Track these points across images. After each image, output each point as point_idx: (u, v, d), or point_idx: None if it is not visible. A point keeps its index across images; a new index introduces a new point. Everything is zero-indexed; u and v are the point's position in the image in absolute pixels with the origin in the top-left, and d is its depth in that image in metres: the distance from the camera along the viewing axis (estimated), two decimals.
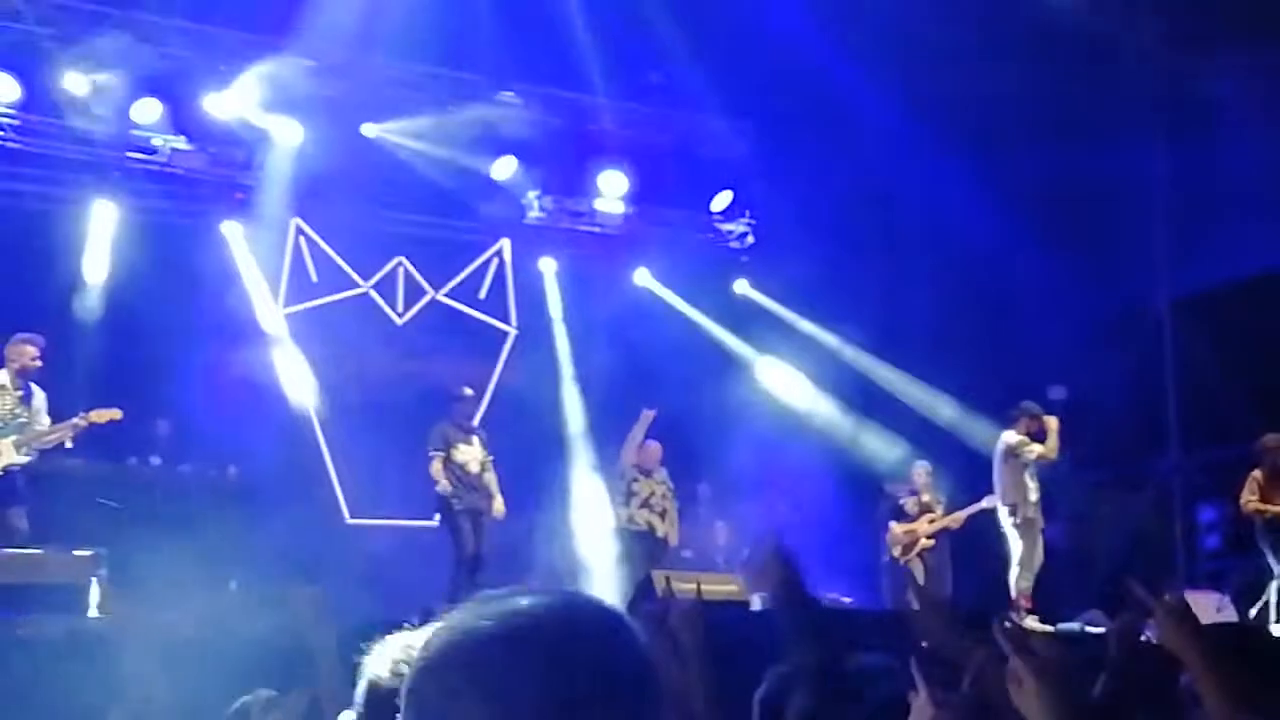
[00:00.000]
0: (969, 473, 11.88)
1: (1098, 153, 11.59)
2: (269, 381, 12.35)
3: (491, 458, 10.62)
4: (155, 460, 11.35)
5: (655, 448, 11.41)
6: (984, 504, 11.41)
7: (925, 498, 11.75)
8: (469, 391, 10.86)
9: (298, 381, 12.71)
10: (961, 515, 11.57)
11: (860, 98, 12.09)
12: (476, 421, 11.14)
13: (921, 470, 11.84)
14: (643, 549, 11.00)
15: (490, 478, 10.55)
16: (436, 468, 10.33)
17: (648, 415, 11.26)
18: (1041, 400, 11.43)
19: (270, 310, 12.79)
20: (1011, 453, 10.74)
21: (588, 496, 13.43)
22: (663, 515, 11.23)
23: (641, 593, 9.23)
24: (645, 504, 11.16)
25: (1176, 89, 12.03)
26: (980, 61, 11.41)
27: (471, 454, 10.47)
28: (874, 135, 12.62)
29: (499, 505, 10.49)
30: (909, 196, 13.05)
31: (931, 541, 11.60)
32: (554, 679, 1.22)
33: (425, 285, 13.62)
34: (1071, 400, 12.29)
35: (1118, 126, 12.07)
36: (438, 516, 10.53)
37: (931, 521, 11.63)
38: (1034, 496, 10.71)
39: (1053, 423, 10.78)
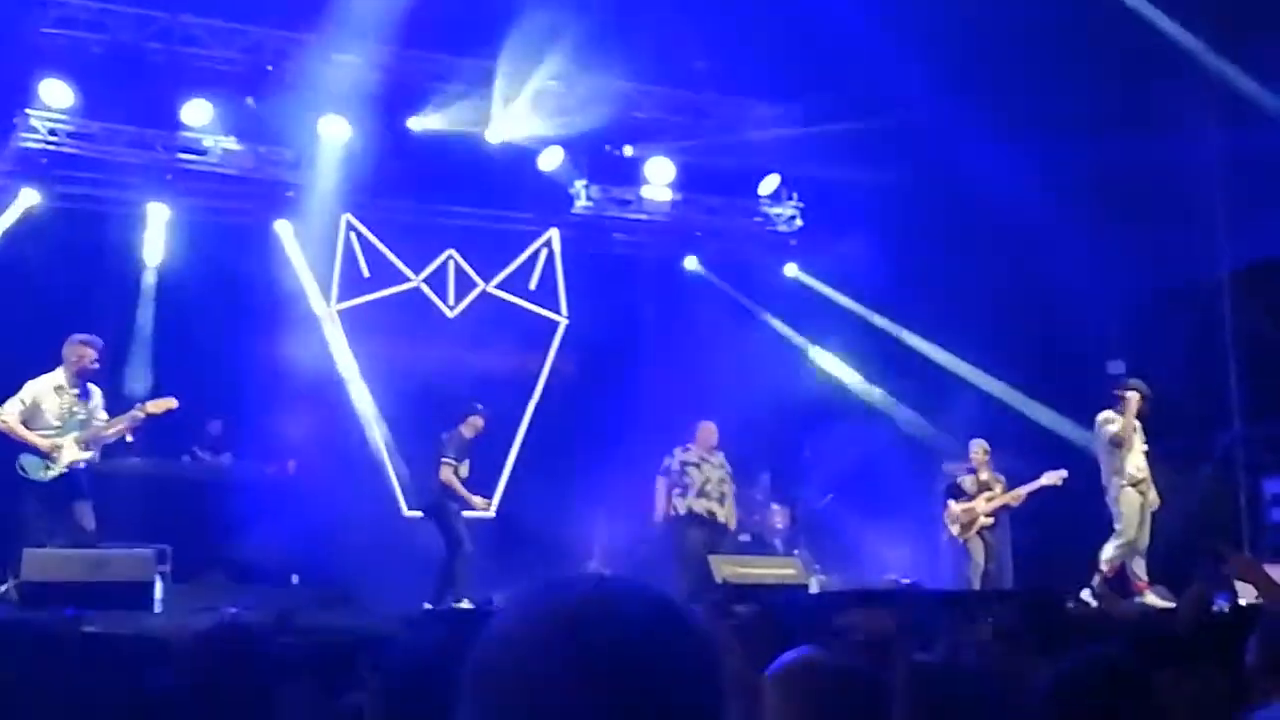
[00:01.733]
0: (1029, 450, 11.76)
1: (1154, 130, 11.41)
2: (324, 377, 12.45)
3: None
4: (213, 456, 11.48)
5: (711, 428, 11.36)
6: (1044, 481, 11.29)
7: (983, 476, 11.64)
8: (481, 410, 10.87)
9: (352, 376, 12.81)
10: (1021, 492, 11.45)
11: (908, 79, 11.97)
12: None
13: (979, 448, 11.71)
14: (702, 536, 10.97)
15: None
16: (450, 476, 10.50)
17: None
18: (1101, 375, 11.30)
19: (324, 306, 12.90)
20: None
21: (640, 484, 13.45)
22: (721, 500, 11.17)
23: (701, 579, 9.23)
24: (701, 492, 11.10)
25: (1231, 69, 11.85)
26: (1032, 43, 11.29)
27: (465, 469, 10.67)
28: (923, 115, 12.50)
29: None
30: (960, 176, 12.89)
31: (990, 520, 11.49)
32: (605, 665, 1.20)
33: (475, 278, 13.66)
34: (1131, 374, 12.15)
35: (1173, 104, 11.89)
36: (481, 500, 10.65)
37: (990, 500, 11.53)
38: (1128, 472, 10.49)
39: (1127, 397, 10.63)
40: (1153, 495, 10.45)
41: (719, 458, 11.31)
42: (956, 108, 11.88)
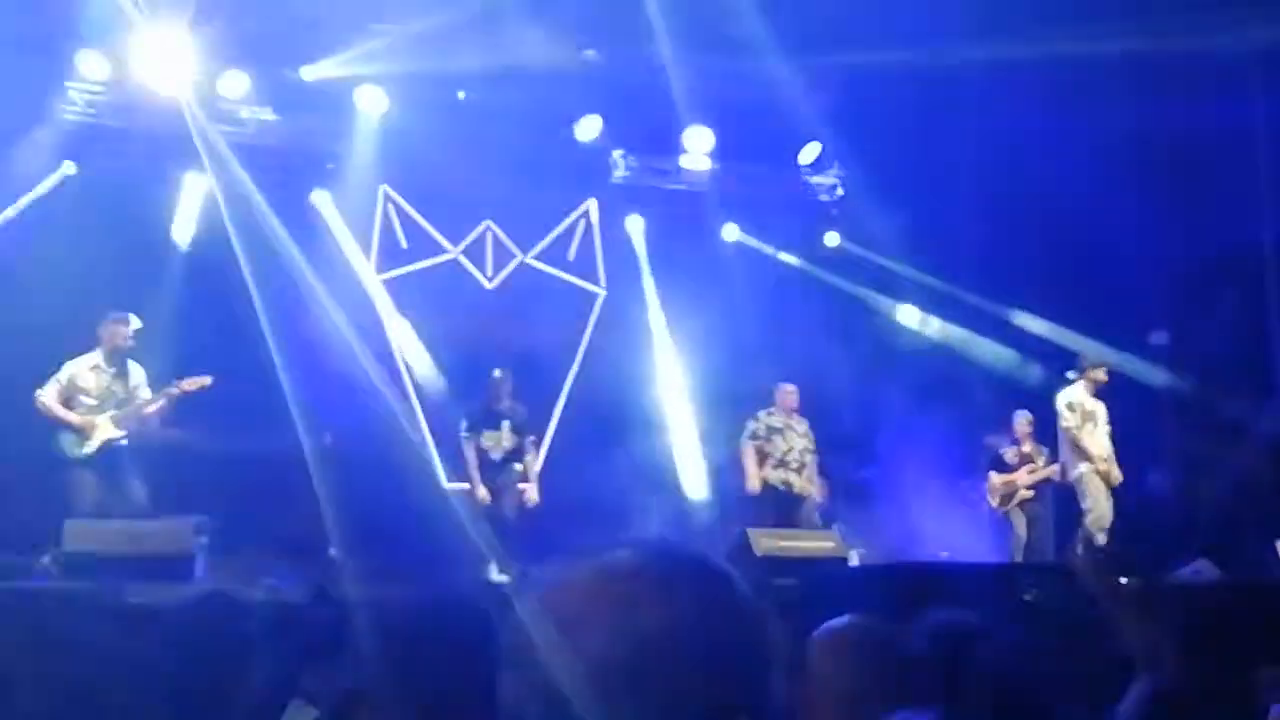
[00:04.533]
0: None
1: (1196, 100, 11.24)
2: (362, 349, 12.45)
3: (532, 437, 10.75)
4: (251, 429, 11.48)
5: (790, 391, 11.22)
6: None
7: (1026, 448, 11.55)
8: (497, 374, 10.78)
9: (391, 348, 12.83)
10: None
11: (950, 45, 11.79)
12: (507, 403, 10.87)
13: (1023, 420, 11.61)
14: (778, 507, 10.85)
15: (529, 459, 10.74)
16: (469, 454, 10.56)
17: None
18: (1143, 345, 11.20)
19: (361, 278, 12.90)
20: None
21: (684, 454, 13.43)
22: (800, 470, 11.01)
23: (738, 549, 9.18)
24: (781, 462, 10.96)
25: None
26: (1075, 9, 11.09)
27: (496, 439, 10.54)
28: (965, 82, 12.34)
29: (532, 493, 10.70)
30: (1002, 141, 12.74)
31: (1031, 493, 11.40)
32: (651, 632, 1.19)
33: (514, 249, 13.64)
34: (1175, 345, 12.00)
35: (1216, 74, 11.68)
36: (484, 491, 10.60)
37: (1031, 472, 11.43)
38: (1093, 453, 10.69)
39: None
40: (1115, 472, 10.71)
41: (803, 425, 11.17)
42: (999, 71, 11.71)
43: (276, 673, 3.55)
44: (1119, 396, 11.70)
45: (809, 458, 11.09)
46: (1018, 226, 12.91)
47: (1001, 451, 11.63)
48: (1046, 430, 11.53)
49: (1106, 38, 11.31)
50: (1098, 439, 10.71)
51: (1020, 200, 12.89)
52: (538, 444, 10.72)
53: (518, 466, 10.68)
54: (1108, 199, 11.92)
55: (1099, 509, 10.53)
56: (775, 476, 10.93)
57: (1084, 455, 10.59)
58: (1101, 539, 10.53)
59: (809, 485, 11.07)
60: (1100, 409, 10.78)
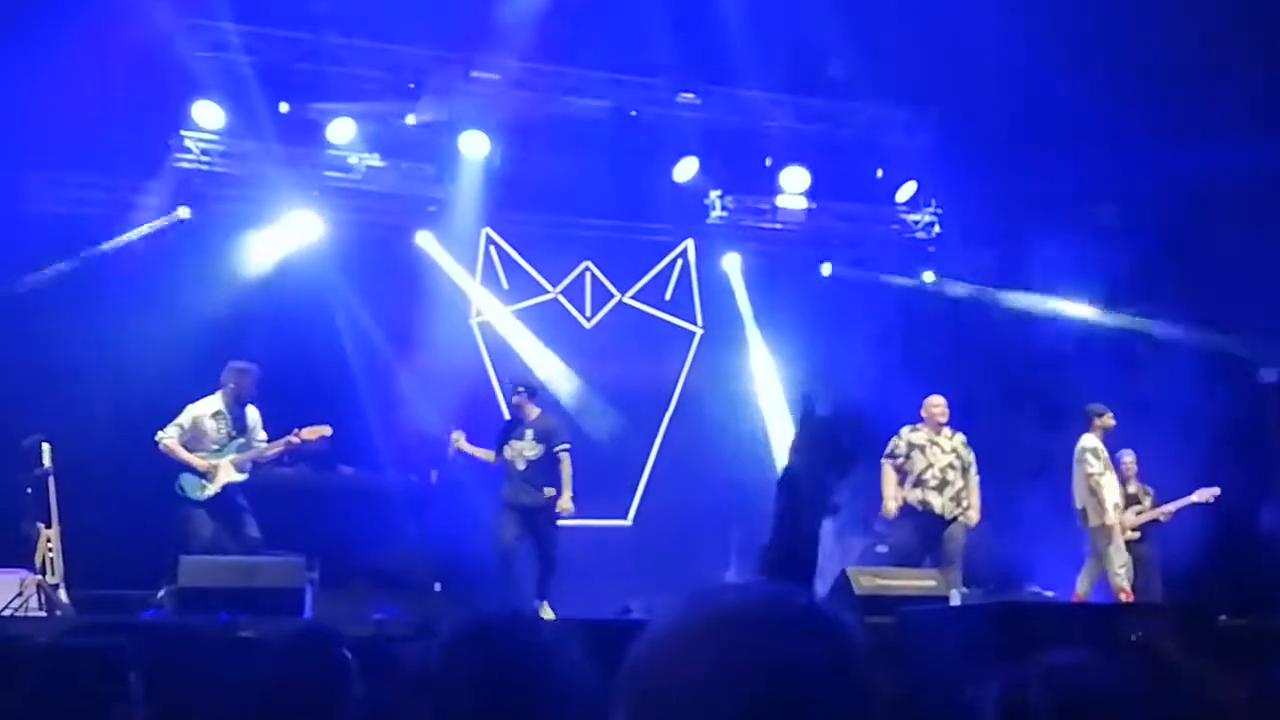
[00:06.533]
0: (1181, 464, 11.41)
1: None
2: (464, 387, 12.64)
3: (565, 445, 10.24)
4: (358, 467, 11.74)
5: (936, 403, 10.62)
6: (1194, 498, 11.00)
7: (1131, 489, 11.28)
8: (520, 388, 10.65)
9: (493, 387, 13.01)
10: (1170, 508, 11.12)
11: (1047, 80, 11.70)
12: (535, 414, 10.47)
13: (1129, 459, 11.33)
14: (915, 530, 10.36)
15: (563, 470, 10.16)
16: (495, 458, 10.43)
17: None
18: (1251, 383, 11.01)
19: (485, 314, 13.17)
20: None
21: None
22: (940, 488, 10.36)
23: (838, 588, 9.14)
24: (918, 482, 10.39)
25: None
26: (1179, 45, 10.97)
27: (517, 450, 10.24)
28: (1062, 119, 12.23)
29: (563, 501, 10.13)
30: (1102, 179, 12.60)
31: (1137, 534, 11.15)
32: (757, 675, 1.20)
33: (612, 289, 13.79)
34: None
35: None
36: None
37: (1138, 514, 11.20)
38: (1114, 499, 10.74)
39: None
40: (1127, 518, 10.91)
41: (953, 440, 10.57)
42: (1104, 109, 11.59)
43: (376, 707, 3.64)
44: (1231, 430, 11.51)
45: (953, 475, 10.39)
46: (1121, 263, 12.74)
47: None
48: (1150, 469, 11.36)
49: (1219, 71, 11.16)
50: (1110, 483, 10.70)
51: (1127, 234, 12.73)
52: (569, 452, 10.33)
53: (548, 490, 10.22)
54: (1214, 234, 11.74)
55: (1122, 556, 10.53)
56: (913, 496, 10.35)
57: (1105, 503, 10.53)
58: (1128, 588, 10.42)
59: (954, 506, 10.38)
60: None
